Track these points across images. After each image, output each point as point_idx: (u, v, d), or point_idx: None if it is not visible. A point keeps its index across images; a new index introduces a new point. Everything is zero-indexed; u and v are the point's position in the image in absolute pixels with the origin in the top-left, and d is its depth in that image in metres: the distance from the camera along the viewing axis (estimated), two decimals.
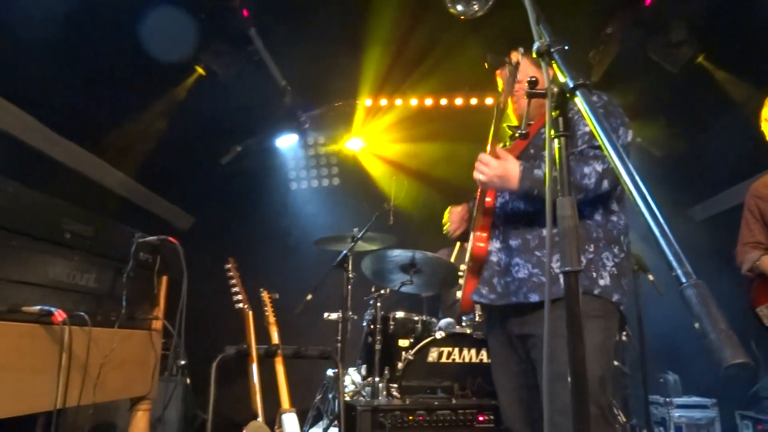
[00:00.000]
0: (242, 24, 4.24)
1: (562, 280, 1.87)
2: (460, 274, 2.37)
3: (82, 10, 3.31)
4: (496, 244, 2.17)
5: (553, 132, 1.06)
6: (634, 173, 0.89)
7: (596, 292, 1.96)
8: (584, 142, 2.01)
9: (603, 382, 1.90)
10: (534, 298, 2.01)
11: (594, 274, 1.98)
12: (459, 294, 2.34)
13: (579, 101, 0.99)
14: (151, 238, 1.99)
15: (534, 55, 1.08)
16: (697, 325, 0.75)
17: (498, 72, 2.35)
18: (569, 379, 1.03)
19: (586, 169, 1.93)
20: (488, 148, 2.10)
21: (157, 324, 2.12)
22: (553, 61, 1.05)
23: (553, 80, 1.06)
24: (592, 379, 1.84)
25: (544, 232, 2.04)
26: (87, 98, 3.77)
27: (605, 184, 1.95)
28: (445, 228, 2.55)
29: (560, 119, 1.05)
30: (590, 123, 0.96)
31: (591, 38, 4.67)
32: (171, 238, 2.04)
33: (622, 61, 4.65)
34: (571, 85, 1.00)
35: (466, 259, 2.31)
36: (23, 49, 3.20)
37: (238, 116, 5.32)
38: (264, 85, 5.11)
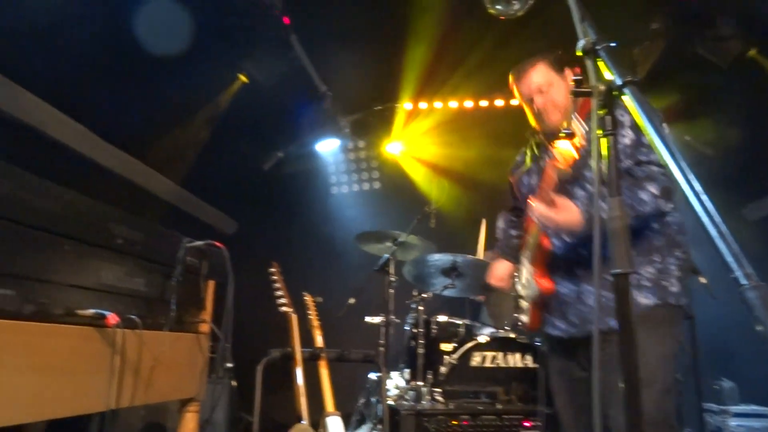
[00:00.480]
0: (283, 31, 4.30)
1: (637, 297, 1.86)
2: (521, 294, 2.28)
3: (130, 24, 3.42)
4: (560, 274, 2.11)
5: (600, 131, 1.04)
6: (688, 174, 0.85)
7: (671, 300, 1.91)
8: (627, 156, 1.93)
9: (668, 390, 1.86)
10: (612, 323, 1.92)
11: (665, 284, 1.93)
12: (524, 318, 2.28)
13: (628, 99, 0.96)
14: (198, 243, 2.03)
15: (579, 53, 1.06)
16: (760, 327, 0.72)
17: (517, 87, 2.24)
18: (621, 385, 1.00)
19: (643, 195, 1.85)
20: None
21: (205, 327, 2.16)
22: (598, 59, 1.03)
23: (599, 78, 1.04)
24: (659, 389, 1.79)
25: (609, 254, 1.97)
26: (136, 108, 3.89)
27: (662, 204, 1.88)
28: (488, 280, 2.50)
29: (607, 118, 1.02)
30: (640, 121, 0.93)
31: (635, 34, 4.55)
32: (217, 243, 2.08)
33: (668, 58, 4.51)
34: (619, 82, 0.97)
35: (527, 291, 2.25)
36: (75, 62, 3.32)
37: (280, 122, 5.40)
38: (305, 90, 5.17)
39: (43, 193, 1.40)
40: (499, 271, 2.44)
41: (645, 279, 1.92)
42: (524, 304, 2.27)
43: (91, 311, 1.50)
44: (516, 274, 2.39)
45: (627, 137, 1.93)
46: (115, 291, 1.66)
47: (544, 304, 2.19)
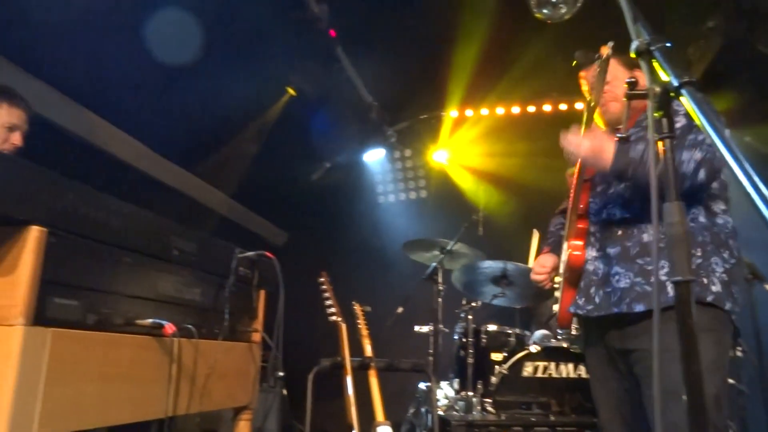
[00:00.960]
0: (329, 44, 4.37)
1: (669, 289, 1.82)
2: (556, 286, 2.29)
3: (183, 43, 3.55)
4: (592, 253, 2.07)
5: (656, 135, 1.00)
6: (753, 175, 0.82)
7: (709, 299, 1.81)
8: (682, 135, 1.88)
9: (718, 401, 1.76)
10: (639, 308, 1.89)
11: (705, 280, 1.84)
12: (556, 307, 2.26)
13: (685, 100, 0.93)
14: (250, 253, 2.07)
15: (633, 55, 1.03)
16: None
17: (583, 74, 2.25)
18: (684, 397, 0.96)
19: (685, 155, 1.80)
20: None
21: (256, 336, 2.20)
22: (654, 60, 1.00)
23: (655, 80, 1.01)
24: (706, 398, 1.71)
25: (645, 237, 1.94)
26: (190, 123, 4.03)
27: (701, 174, 1.80)
28: (533, 277, 2.46)
29: (664, 120, 0.99)
30: (699, 122, 0.89)
31: (689, 34, 4.41)
32: (268, 254, 2.11)
33: (725, 56, 4.34)
34: (675, 83, 0.94)
35: (561, 269, 2.22)
36: (133, 84, 3.47)
37: (327, 133, 5.47)
38: (351, 101, 5.23)
39: (105, 207, 1.45)
40: (541, 261, 2.38)
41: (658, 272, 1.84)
42: (558, 294, 2.23)
43: (150, 321, 1.54)
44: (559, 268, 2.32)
45: (680, 122, 1.88)
46: (172, 301, 1.71)
47: (575, 283, 2.12)
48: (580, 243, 2.11)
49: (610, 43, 1.93)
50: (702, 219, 1.91)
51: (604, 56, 1.91)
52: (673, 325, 1.50)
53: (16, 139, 2.35)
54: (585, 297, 2.06)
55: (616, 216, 2.03)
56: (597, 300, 2.02)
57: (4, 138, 2.32)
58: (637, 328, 1.92)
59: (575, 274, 2.12)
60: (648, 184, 1.85)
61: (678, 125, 1.87)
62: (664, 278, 1.85)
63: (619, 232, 2.00)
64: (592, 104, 1.98)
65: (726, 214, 1.95)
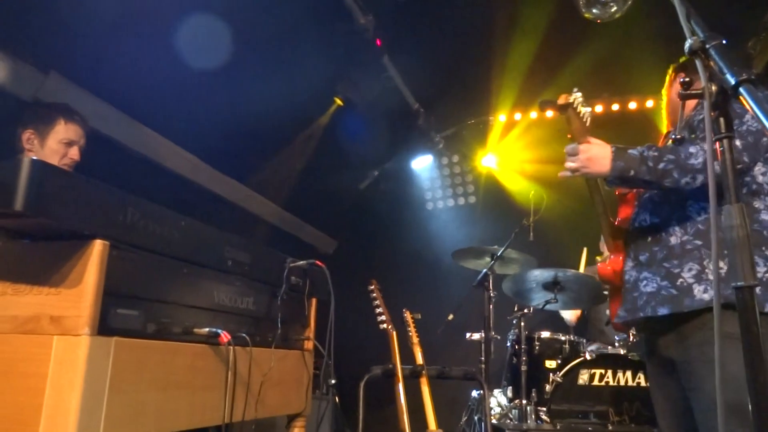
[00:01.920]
0: (376, 53, 4.41)
1: (695, 291, 1.80)
2: (605, 293, 2.32)
3: (232, 60, 3.65)
4: (629, 263, 2.08)
5: (713, 135, 0.97)
6: None
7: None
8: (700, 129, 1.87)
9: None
10: (663, 311, 1.86)
11: None
12: (607, 311, 2.29)
13: (744, 99, 0.89)
14: (301, 262, 2.10)
15: (687, 54, 1.00)
16: None
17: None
18: (750, 409, 0.92)
19: (692, 149, 1.77)
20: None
21: (309, 344, 2.23)
22: (709, 59, 0.96)
23: (711, 78, 0.97)
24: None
25: (672, 240, 1.92)
26: (242, 137, 4.13)
27: (716, 166, 1.74)
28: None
29: (721, 120, 0.95)
30: (761, 120, 0.85)
31: (748, 27, 4.22)
32: (318, 262, 2.14)
33: None
34: (732, 82, 0.90)
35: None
36: (187, 99, 3.59)
37: (375, 141, 5.51)
38: (398, 109, 5.25)
39: (163, 220, 1.51)
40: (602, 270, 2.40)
41: (712, 273, 1.78)
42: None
43: (206, 329, 1.59)
44: None
45: (702, 114, 1.89)
46: (227, 310, 1.76)
47: (615, 293, 2.17)
48: (616, 257, 2.15)
49: (575, 91, 1.90)
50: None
51: (563, 103, 1.89)
52: (711, 333, 1.45)
53: (74, 153, 2.45)
54: (622, 304, 2.09)
55: (646, 222, 2.04)
56: (628, 306, 2.03)
57: (63, 153, 2.42)
58: (676, 336, 1.90)
59: (611, 286, 2.18)
60: (650, 184, 1.85)
61: (695, 120, 1.89)
62: (691, 281, 1.83)
63: (649, 239, 2.01)
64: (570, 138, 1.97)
65: None
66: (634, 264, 2.06)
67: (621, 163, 1.85)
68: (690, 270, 1.83)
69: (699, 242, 1.85)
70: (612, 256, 2.17)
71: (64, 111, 2.47)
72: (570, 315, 4.40)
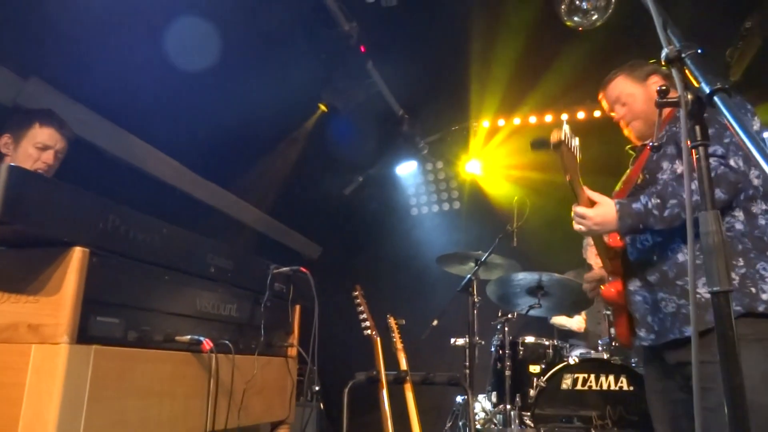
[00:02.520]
0: (360, 59, 4.42)
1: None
2: (608, 312, 2.28)
3: (217, 63, 3.64)
4: (636, 283, 2.06)
5: (689, 142, 0.99)
6: None
7: (761, 309, 1.74)
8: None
9: None
10: (688, 331, 1.85)
11: (753, 290, 1.77)
12: (613, 330, 2.26)
13: (718, 108, 0.91)
14: (285, 269, 2.10)
15: (663, 63, 1.02)
16: None
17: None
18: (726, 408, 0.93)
19: (693, 185, 1.74)
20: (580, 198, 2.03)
21: (293, 351, 2.22)
22: (685, 67, 0.98)
23: (687, 87, 0.99)
24: (760, 410, 1.64)
25: (680, 257, 1.92)
26: (226, 143, 4.12)
27: (719, 193, 1.78)
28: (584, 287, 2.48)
29: (697, 128, 0.97)
30: (734, 130, 0.87)
31: (727, 35, 4.30)
32: (302, 268, 2.14)
33: (765, 55, 4.22)
34: (707, 91, 0.92)
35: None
36: (168, 104, 3.57)
37: (359, 147, 5.51)
38: (382, 115, 5.26)
39: (144, 227, 1.50)
40: (588, 276, 2.38)
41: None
42: (608, 313, 2.26)
43: (188, 337, 1.58)
44: None
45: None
46: (209, 317, 1.74)
47: (628, 314, 2.13)
48: (615, 280, 2.14)
49: (564, 124, 1.93)
50: (739, 226, 1.86)
51: (557, 141, 1.90)
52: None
53: (47, 158, 2.42)
54: (645, 327, 2.04)
55: (648, 242, 2.03)
56: (656, 328, 2.00)
57: (36, 157, 2.40)
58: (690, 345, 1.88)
59: (616, 307, 2.16)
60: (662, 229, 1.87)
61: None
62: (708, 296, 1.80)
63: (655, 258, 2.00)
64: (569, 179, 1.98)
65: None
66: (643, 284, 2.03)
67: (628, 221, 1.90)
68: (705, 285, 1.80)
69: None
70: (611, 278, 2.16)
71: (41, 115, 2.45)
72: (576, 323, 4.39)
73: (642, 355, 2.33)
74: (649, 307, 2.01)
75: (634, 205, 1.90)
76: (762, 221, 1.86)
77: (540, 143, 2.04)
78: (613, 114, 2.29)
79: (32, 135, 2.40)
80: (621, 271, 2.13)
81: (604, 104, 2.31)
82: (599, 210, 1.95)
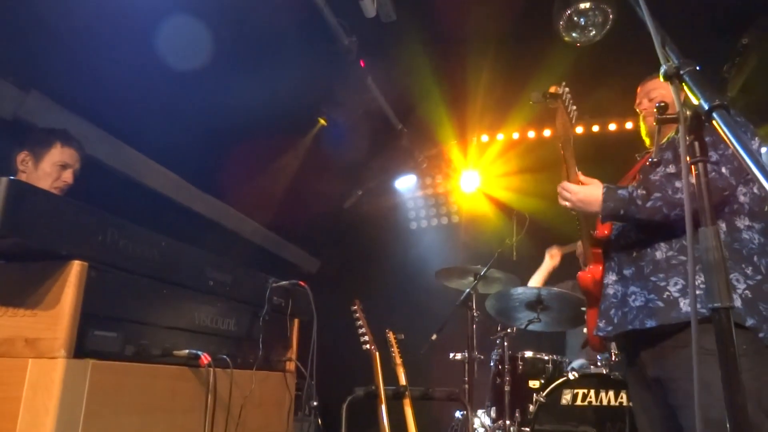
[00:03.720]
0: (360, 74, 4.44)
1: (681, 304, 1.83)
2: (583, 309, 2.34)
3: (216, 76, 3.66)
4: (612, 277, 2.11)
5: (688, 158, 0.99)
6: None
7: (749, 324, 1.76)
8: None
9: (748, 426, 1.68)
10: (650, 323, 1.89)
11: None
12: (584, 330, 2.29)
13: (717, 124, 0.91)
14: (283, 282, 2.09)
15: (661, 79, 1.03)
16: None
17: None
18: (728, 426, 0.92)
19: (678, 183, 1.85)
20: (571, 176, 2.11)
21: (291, 365, 2.21)
22: (684, 84, 0.98)
23: (686, 103, 1.00)
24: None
25: (657, 255, 1.96)
26: (224, 156, 4.13)
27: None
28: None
29: (696, 144, 0.98)
30: (732, 146, 0.88)
31: (723, 51, 4.34)
32: (301, 282, 2.13)
33: (761, 72, 4.25)
34: (706, 107, 0.93)
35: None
36: (168, 117, 3.58)
37: (358, 161, 5.53)
38: (381, 129, 5.28)
39: (142, 240, 1.50)
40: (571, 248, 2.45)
41: (696, 288, 1.80)
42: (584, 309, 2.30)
43: (186, 351, 1.57)
44: None
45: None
46: (208, 331, 1.74)
47: (594, 306, 2.19)
48: (597, 267, 2.18)
49: (563, 85, 2.01)
50: (721, 235, 1.88)
51: (554, 92, 2.01)
52: (691, 349, 1.47)
53: (68, 177, 2.48)
54: (605, 319, 2.10)
55: (631, 238, 2.08)
56: (615, 320, 2.05)
57: (56, 176, 2.44)
58: (659, 351, 1.92)
59: (589, 297, 2.20)
60: (640, 220, 1.93)
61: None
62: (676, 294, 1.87)
63: (634, 254, 2.04)
64: (562, 142, 2.08)
65: (752, 230, 1.91)
66: (618, 278, 2.08)
67: (611, 204, 1.95)
68: (675, 284, 1.87)
69: (683, 257, 1.90)
70: (591, 265, 2.19)
71: (61, 135, 2.51)
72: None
73: (624, 366, 2.34)
74: (617, 302, 2.06)
75: (620, 191, 1.96)
76: (745, 235, 1.89)
77: (539, 95, 2.10)
78: (637, 105, 2.35)
79: (53, 154, 2.45)
80: (600, 260, 2.17)
81: (639, 96, 2.37)
82: (586, 189, 2.02)
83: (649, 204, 1.89)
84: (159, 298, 1.56)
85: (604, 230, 2.18)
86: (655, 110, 1.14)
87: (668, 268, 1.91)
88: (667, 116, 1.06)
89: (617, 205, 1.94)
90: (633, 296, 1.99)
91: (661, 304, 1.88)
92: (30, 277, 1.31)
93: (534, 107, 5.16)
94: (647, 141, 2.30)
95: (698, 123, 0.97)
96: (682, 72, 0.99)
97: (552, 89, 2.02)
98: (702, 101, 0.93)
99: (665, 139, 2.15)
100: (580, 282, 2.23)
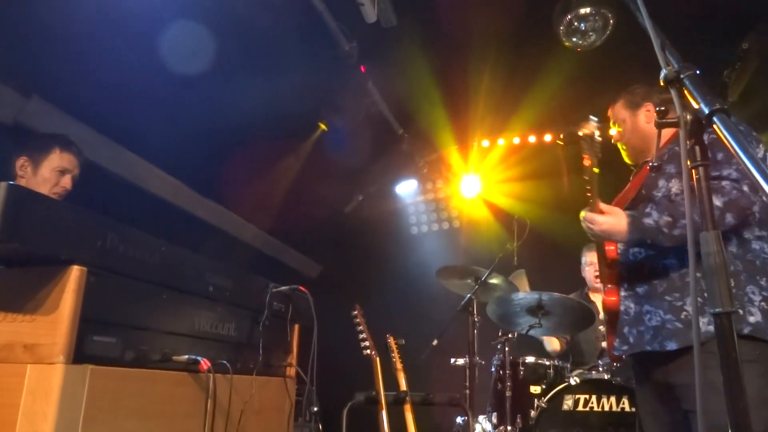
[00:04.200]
0: (360, 79, 4.45)
1: (700, 324, 1.81)
2: (601, 328, 2.33)
3: (218, 81, 3.67)
4: (622, 293, 2.11)
5: (689, 162, 0.99)
6: None
7: (746, 331, 1.75)
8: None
9: None
10: (671, 346, 1.88)
11: (740, 311, 1.79)
12: (604, 344, 2.29)
13: (717, 128, 0.91)
14: (284, 287, 2.09)
15: (662, 83, 1.02)
16: None
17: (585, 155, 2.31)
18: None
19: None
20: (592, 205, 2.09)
21: (291, 371, 2.20)
22: (684, 88, 0.98)
23: (685, 108, 0.99)
24: None
25: (671, 273, 1.95)
26: (225, 161, 4.13)
27: (729, 218, 1.82)
28: None
29: (697, 148, 0.97)
30: (732, 149, 0.87)
31: (724, 56, 4.34)
32: (301, 287, 2.12)
33: (762, 77, 4.25)
34: (706, 111, 0.92)
35: (602, 315, 2.27)
36: (169, 122, 3.59)
37: (359, 166, 5.52)
38: (382, 134, 5.28)
39: (142, 245, 1.49)
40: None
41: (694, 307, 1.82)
42: (602, 328, 2.28)
43: (186, 357, 1.56)
44: None
45: None
46: (208, 337, 1.73)
47: (614, 324, 2.17)
48: (613, 287, 2.16)
49: (592, 118, 2.02)
50: (732, 249, 1.88)
51: (588, 134, 2.04)
52: (712, 358, 1.49)
53: (66, 182, 2.48)
54: (620, 338, 2.09)
55: (641, 255, 2.06)
56: (631, 340, 2.04)
57: (55, 181, 2.44)
58: (677, 364, 1.91)
59: (612, 317, 2.17)
60: (669, 247, 1.91)
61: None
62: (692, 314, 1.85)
63: (646, 271, 2.03)
64: (588, 176, 2.09)
65: (762, 240, 1.89)
66: (631, 295, 2.07)
67: (637, 235, 1.94)
68: (690, 304, 1.85)
69: (698, 275, 1.88)
70: (609, 286, 2.18)
71: (61, 141, 2.51)
72: (551, 345, 4.37)
73: (635, 375, 2.34)
74: (629, 318, 2.05)
75: (645, 220, 1.93)
76: (755, 246, 1.88)
77: (571, 136, 2.16)
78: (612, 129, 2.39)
79: (52, 159, 2.45)
80: (617, 281, 2.16)
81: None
82: (609, 219, 1.99)
83: (676, 232, 1.87)
84: (158, 303, 1.55)
85: (610, 245, 2.17)
86: (656, 113, 1.14)
87: (683, 286, 1.90)
88: (668, 120, 1.06)
89: (644, 236, 1.94)
90: (648, 315, 1.97)
91: (680, 325, 1.87)
92: (29, 282, 1.31)
93: (536, 110, 5.16)
94: (630, 162, 2.34)
95: (699, 127, 0.97)
96: (682, 76, 0.99)
97: (585, 129, 2.06)
98: (702, 105, 0.93)
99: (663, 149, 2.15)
100: (605, 306, 2.21)
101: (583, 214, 2.07)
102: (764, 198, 1.89)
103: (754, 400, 1.68)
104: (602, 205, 2.06)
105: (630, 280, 2.08)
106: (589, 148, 2.03)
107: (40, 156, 2.44)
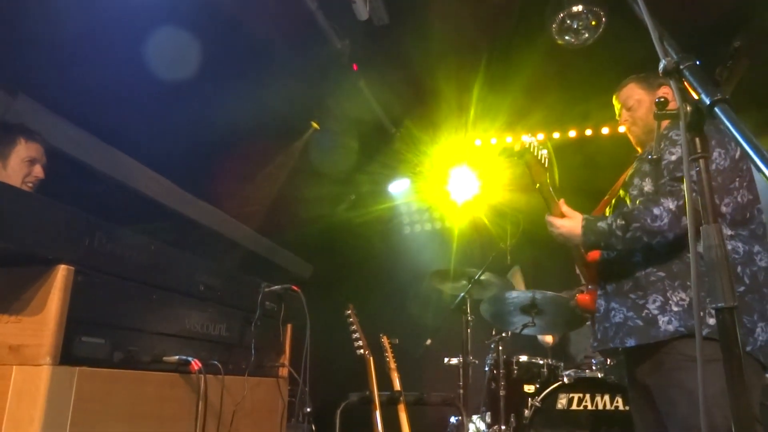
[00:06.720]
0: (352, 77, 4.42)
1: (660, 322, 1.84)
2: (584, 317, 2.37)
3: (209, 82, 3.63)
4: (599, 292, 2.15)
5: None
6: None
7: (705, 332, 1.75)
8: (669, 172, 1.92)
9: None
10: (630, 342, 1.93)
11: (701, 313, 1.79)
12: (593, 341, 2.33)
13: (719, 119, 0.89)
14: (276, 287, 2.06)
15: (661, 74, 1.00)
16: None
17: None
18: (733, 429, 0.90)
19: (656, 211, 1.85)
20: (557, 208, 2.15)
21: (284, 371, 2.17)
22: (684, 79, 0.96)
23: (685, 99, 0.98)
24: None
25: (636, 272, 1.98)
26: (216, 160, 4.09)
27: (684, 220, 1.83)
28: None
29: (697, 140, 0.96)
30: (737, 138, 0.85)
31: (715, 55, 4.35)
32: (294, 287, 2.10)
33: (754, 75, 4.27)
34: (707, 102, 0.91)
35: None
36: (158, 121, 3.55)
37: (351, 165, 5.50)
38: (375, 133, 5.26)
39: (131, 244, 1.46)
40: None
41: (675, 304, 1.86)
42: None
43: (176, 357, 1.53)
44: None
45: (675, 154, 1.92)
46: (198, 337, 1.70)
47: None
48: (592, 287, 2.22)
49: (530, 138, 2.06)
50: (700, 248, 1.86)
51: (520, 149, 2.08)
52: (681, 360, 1.51)
53: (38, 171, 2.42)
54: (593, 335, 2.17)
55: (612, 253, 2.10)
56: (599, 336, 2.09)
57: (26, 172, 2.39)
58: (650, 364, 1.95)
59: (592, 316, 2.24)
60: (622, 250, 1.97)
61: (673, 157, 1.92)
62: (655, 312, 1.89)
63: (615, 269, 2.07)
64: (538, 186, 2.14)
65: (736, 239, 1.89)
66: (603, 293, 2.12)
67: (591, 237, 2.00)
68: (654, 302, 1.89)
69: (662, 274, 1.91)
70: (590, 286, 2.22)
71: (23, 130, 2.45)
72: (544, 337, 4.39)
73: (625, 374, 2.36)
74: (599, 316, 2.09)
75: (599, 224, 1.99)
76: (728, 246, 1.88)
77: (506, 152, 2.23)
78: (618, 118, 2.35)
79: (18, 151, 2.39)
80: (596, 280, 2.20)
81: (616, 108, 2.35)
82: (566, 222, 2.06)
83: (628, 235, 1.90)
84: (148, 303, 1.52)
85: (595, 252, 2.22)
86: (655, 105, 1.12)
87: (647, 285, 1.94)
88: (667, 112, 1.04)
89: (597, 239, 1.99)
90: (613, 312, 2.02)
91: (640, 322, 1.91)
92: (14, 282, 1.27)
93: (529, 110, 5.16)
94: (639, 150, 2.29)
95: (699, 119, 0.95)
96: (681, 66, 0.97)
97: (517, 146, 2.10)
98: (703, 96, 0.92)
99: (643, 149, 2.17)
100: (579, 302, 2.26)
101: (546, 218, 2.14)
102: (738, 199, 1.90)
103: (715, 398, 1.67)
104: (564, 209, 2.11)
105: (603, 278, 2.13)
106: (530, 161, 2.08)
107: (6, 149, 2.38)
